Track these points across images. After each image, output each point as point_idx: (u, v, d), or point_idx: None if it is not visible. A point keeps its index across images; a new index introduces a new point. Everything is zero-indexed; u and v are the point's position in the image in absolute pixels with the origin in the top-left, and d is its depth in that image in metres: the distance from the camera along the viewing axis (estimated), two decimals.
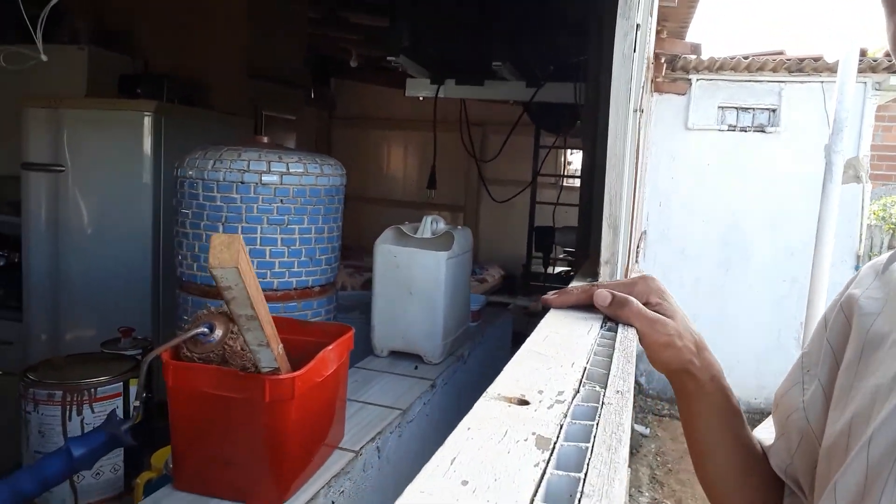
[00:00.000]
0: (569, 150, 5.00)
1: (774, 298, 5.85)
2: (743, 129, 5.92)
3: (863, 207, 5.97)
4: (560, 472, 0.48)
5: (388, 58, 2.08)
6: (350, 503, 1.08)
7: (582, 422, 0.57)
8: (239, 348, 0.93)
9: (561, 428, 0.55)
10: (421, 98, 2.43)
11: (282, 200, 1.49)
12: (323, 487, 0.98)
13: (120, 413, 1.27)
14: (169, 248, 2.55)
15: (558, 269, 4.08)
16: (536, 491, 0.44)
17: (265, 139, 1.60)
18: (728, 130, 5.92)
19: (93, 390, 1.22)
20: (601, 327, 1.00)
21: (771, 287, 5.85)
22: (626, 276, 1.38)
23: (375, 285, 1.59)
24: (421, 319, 1.56)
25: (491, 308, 2.27)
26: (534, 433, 0.53)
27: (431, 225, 1.66)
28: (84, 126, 2.69)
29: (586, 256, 2.28)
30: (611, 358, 0.85)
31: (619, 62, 1.35)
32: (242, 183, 1.45)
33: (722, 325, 5.77)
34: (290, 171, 1.49)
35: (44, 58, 1.46)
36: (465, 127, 2.72)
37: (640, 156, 1.49)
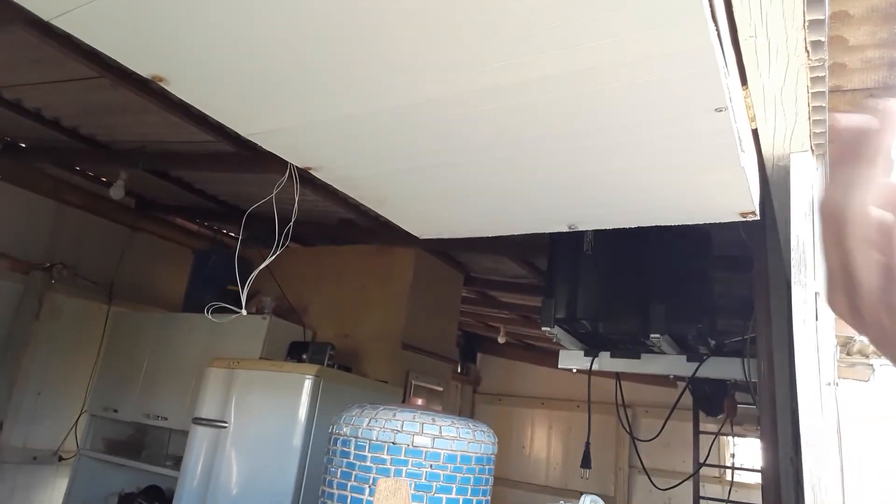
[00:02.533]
0: (734, 438, 4.52)
1: None
2: None
3: None
4: None
5: (543, 328, 2.10)
6: None
7: None
8: None
9: None
10: (574, 371, 2.38)
11: (431, 465, 1.41)
12: None
13: None
14: None
15: None
16: None
17: (420, 401, 1.60)
18: None
19: None
20: None
21: None
22: None
23: None
24: None
25: None
26: None
27: None
28: (252, 385, 2.88)
29: None
30: None
31: (802, 332, 1.24)
32: (394, 444, 1.41)
33: None
34: (443, 434, 1.44)
35: (244, 312, 1.63)
36: (620, 402, 2.58)
37: (840, 437, 1.28)
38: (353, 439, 1.46)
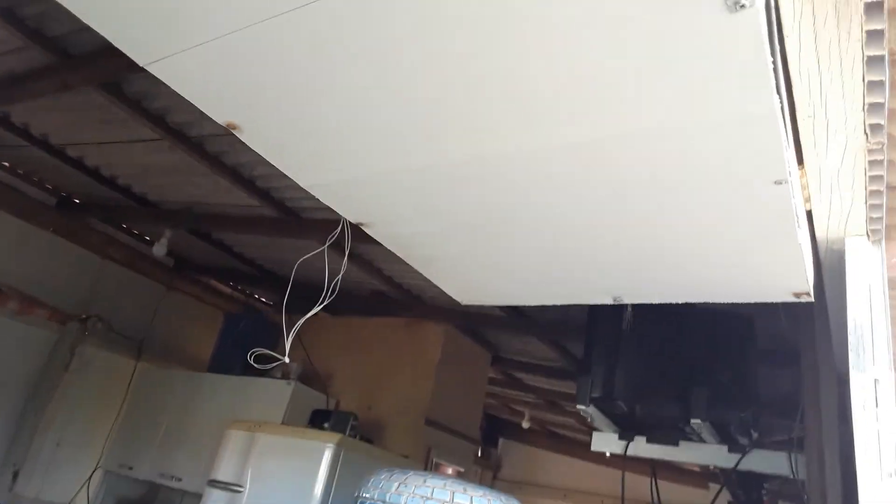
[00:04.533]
0: None
1: None
2: None
3: None
4: None
5: (578, 406, 2.04)
6: None
7: None
8: None
9: None
10: (608, 454, 2.28)
11: None
12: None
13: None
14: None
15: None
16: None
17: (450, 470, 1.54)
18: None
19: None
20: None
21: None
22: None
23: None
24: None
25: None
26: None
27: None
28: (271, 450, 2.82)
29: None
30: None
31: (862, 420, 1.19)
32: None
33: None
34: (474, 503, 1.38)
35: (286, 360, 1.64)
36: (656, 489, 2.45)
37: None
38: (381, 503, 1.41)
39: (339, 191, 1.30)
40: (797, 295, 1.35)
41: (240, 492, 2.74)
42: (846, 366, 1.30)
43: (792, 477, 1.91)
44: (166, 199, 3.32)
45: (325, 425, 3.14)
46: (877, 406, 1.18)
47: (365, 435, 3.21)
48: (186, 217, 3.25)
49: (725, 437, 2.08)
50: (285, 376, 3.46)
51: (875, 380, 1.22)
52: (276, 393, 3.30)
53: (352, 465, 2.74)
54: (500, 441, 5.02)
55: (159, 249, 3.39)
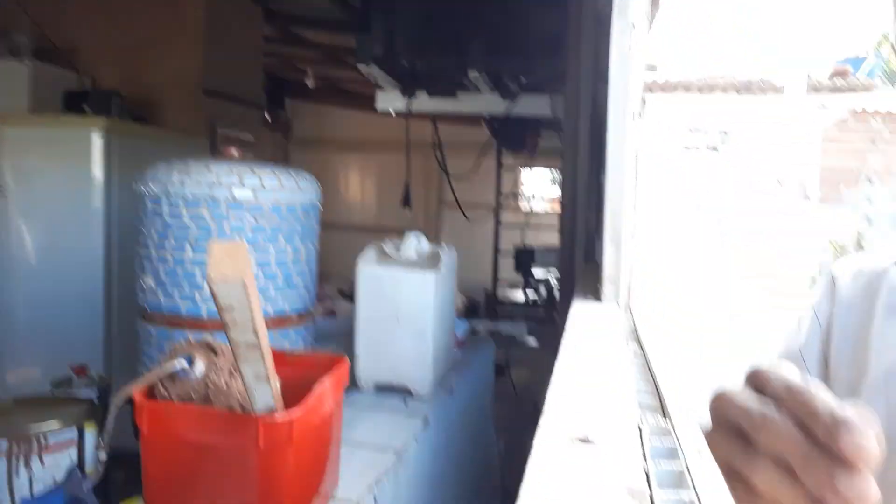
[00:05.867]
0: (528, 169, 4.97)
1: None
2: (696, 149, 6.04)
3: (813, 228, 6.14)
4: None
5: (359, 65, 1.98)
6: None
7: (667, 464, 0.48)
8: (224, 385, 0.80)
9: (648, 476, 0.46)
10: (392, 112, 2.33)
11: (255, 218, 1.36)
12: None
13: (75, 464, 1.10)
14: (124, 277, 2.36)
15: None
16: None
17: (234, 152, 1.47)
18: (683, 150, 6.03)
19: (43, 439, 1.05)
20: (627, 347, 0.91)
21: None
22: (627, 293, 1.30)
23: (358, 311, 1.47)
24: (409, 348, 1.44)
25: (471, 335, 2.16)
26: (620, 482, 0.43)
27: (415, 243, 1.55)
28: (27, 146, 2.49)
29: (569, 276, 2.21)
30: (654, 381, 0.76)
31: (618, 62, 1.28)
32: (212, 199, 1.32)
33: None
34: (265, 185, 1.37)
35: None
36: (436, 143, 2.64)
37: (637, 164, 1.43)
38: (165, 197, 1.34)
39: None
40: None
41: (2, 198, 2.47)
42: (609, 9, 1.34)
43: (552, 116, 2.12)
44: None
45: (84, 108, 2.78)
46: (630, 49, 1.27)
47: (137, 114, 2.92)
48: None
49: (498, 84, 2.19)
50: (15, 54, 2.88)
51: (632, 24, 1.28)
52: (9, 77, 2.77)
53: (130, 152, 2.53)
54: (288, 102, 4.90)
55: None
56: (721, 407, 0.34)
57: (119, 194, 2.44)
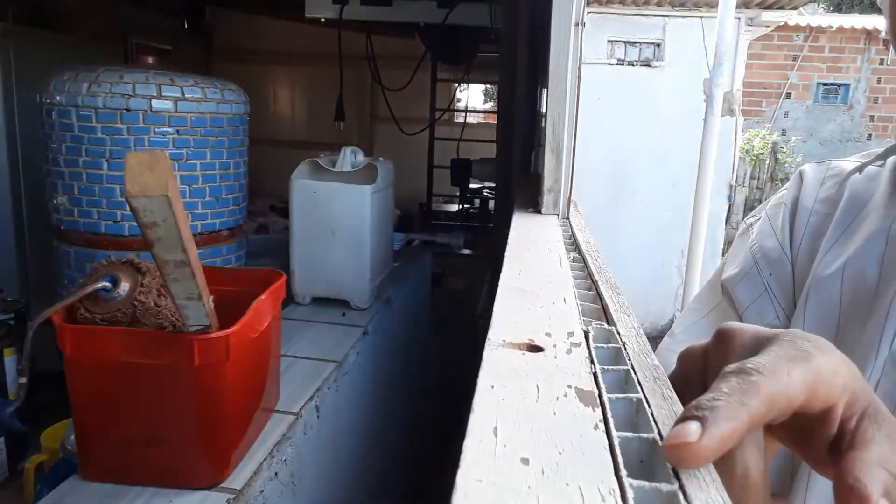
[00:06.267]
0: (464, 85, 4.87)
1: (658, 230, 6.15)
2: (631, 64, 6.04)
3: (735, 140, 6.33)
4: (629, 434, 0.38)
5: None
6: (293, 471, 0.95)
7: (614, 368, 0.48)
8: (152, 304, 0.76)
9: (596, 378, 0.46)
10: (322, 21, 2.20)
11: (178, 131, 1.27)
12: (266, 458, 0.85)
13: None
14: (35, 195, 2.20)
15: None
16: (616, 462, 0.34)
17: (150, 59, 1.36)
18: (617, 64, 6.01)
19: None
20: (568, 256, 0.92)
21: (656, 218, 6.13)
22: (567, 204, 1.30)
23: (293, 226, 1.43)
24: (346, 261, 1.42)
25: (408, 247, 2.16)
26: (570, 386, 0.43)
27: (351, 157, 1.50)
28: None
29: (505, 189, 2.21)
30: (597, 290, 0.77)
31: None
32: (128, 110, 1.22)
33: (611, 257, 5.98)
34: (186, 96, 1.27)
35: None
36: (370, 55, 2.52)
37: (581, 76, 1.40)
38: (74, 109, 1.23)
39: None
40: None
41: None
42: None
43: (490, 26, 2.04)
44: None
45: None
46: None
47: (38, 20, 2.66)
48: None
49: None
50: None
51: None
52: None
53: (31, 61, 2.31)
54: (208, 10, 4.56)
55: None
56: (684, 359, 0.42)
57: (21, 106, 2.24)
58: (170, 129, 1.26)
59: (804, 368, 0.32)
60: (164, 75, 1.28)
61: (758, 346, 0.35)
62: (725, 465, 0.33)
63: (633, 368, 0.49)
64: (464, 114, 4.40)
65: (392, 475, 1.67)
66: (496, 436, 0.36)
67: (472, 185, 3.79)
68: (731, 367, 0.33)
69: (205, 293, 0.63)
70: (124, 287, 0.74)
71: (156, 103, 1.24)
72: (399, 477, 1.67)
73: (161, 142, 1.25)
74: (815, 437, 0.35)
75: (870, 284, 0.61)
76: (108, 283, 0.73)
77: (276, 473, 0.88)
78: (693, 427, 0.30)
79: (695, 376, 0.41)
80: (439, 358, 2.25)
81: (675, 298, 6.15)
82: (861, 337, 0.59)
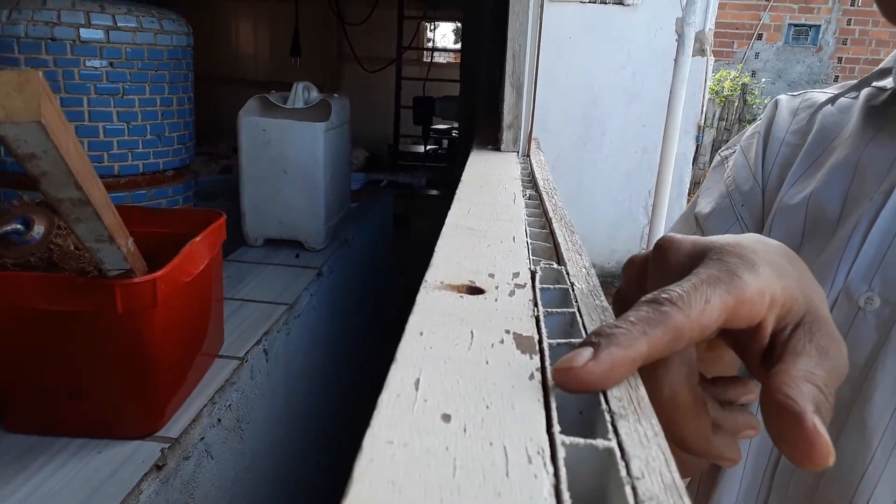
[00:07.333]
0: (433, 23, 4.71)
1: (627, 170, 6.14)
2: (604, 2, 5.89)
3: (705, 81, 6.28)
4: None
5: None
6: (239, 416, 0.92)
7: (559, 310, 0.45)
8: (72, 247, 0.71)
9: (538, 321, 0.42)
10: None
11: (112, 63, 1.18)
12: (207, 405, 0.82)
13: None
14: None
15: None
16: (550, 416, 0.31)
17: None
18: (588, 3, 5.86)
19: None
20: (524, 194, 0.88)
21: (624, 158, 6.11)
22: (528, 141, 1.26)
23: (243, 165, 1.36)
24: (299, 201, 1.36)
25: (370, 187, 2.10)
26: (508, 331, 0.39)
27: (303, 93, 1.43)
28: None
29: (468, 127, 2.15)
30: (550, 228, 0.73)
31: None
32: (53, 40, 1.13)
33: (579, 197, 5.98)
34: (119, 25, 1.18)
35: None
36: None
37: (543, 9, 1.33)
38: None
39: None
40: None
41: None
42: None
43: None
44: None
45: None
46: None
47: None
48: None
49: None
50: None
51: None
52: None
53: None
54: None
55: None
56: (627, 269, 0.42)
57: None
58: (102, 62, 1.17)
59: (724, 290, 0.31)
60: (93, 1, 1.18)
61: (691, 262, 0.35)
62: (652, 388, 0.32)
63: (579, 311, 0.45)
64: (431, 52, 4.25)
65: (350, 415, 1.66)
66: (417, 389, 0.33)
67: (438, 126, 3.71)
68: (648, 296, 0.32)
69: (119, 235, 0.58)
70: (38, 230, 0.68)
71: (84, 32, 1.14)
72: (355, 417, 1.66)
73: (93, 74, 1.16)
74: (747, 350, 0.35)
75: (832, 216, 0.60)
76: (19, 226, 0.67)
77: (218, 420, 0.85)
78: (585, 353, 0.30)
79: (635, 286, 0.41)
80: (402, 299, 2.23)
81: (641, 238, 6.19)
82: (816, 267, 0.58)
